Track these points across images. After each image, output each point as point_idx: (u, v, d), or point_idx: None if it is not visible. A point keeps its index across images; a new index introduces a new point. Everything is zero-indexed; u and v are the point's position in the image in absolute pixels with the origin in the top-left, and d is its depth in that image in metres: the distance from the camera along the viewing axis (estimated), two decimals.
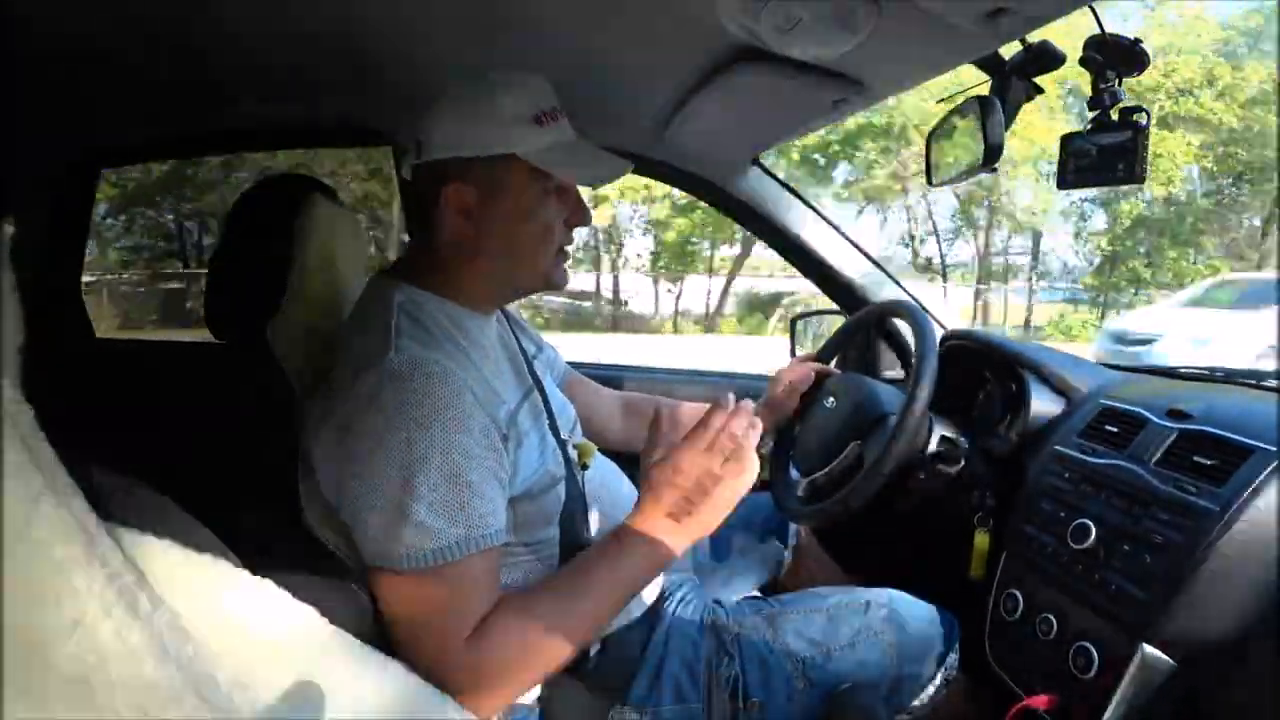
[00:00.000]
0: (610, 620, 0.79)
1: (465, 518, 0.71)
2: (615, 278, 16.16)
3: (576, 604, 0.75)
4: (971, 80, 1.05)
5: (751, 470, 0.77)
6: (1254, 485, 0.76)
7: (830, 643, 0.94)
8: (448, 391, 0.72)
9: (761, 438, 1.18)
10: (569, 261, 0.90)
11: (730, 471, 0.76)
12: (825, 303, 1.60)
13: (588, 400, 1.18)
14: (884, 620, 0.97)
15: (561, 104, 0.85)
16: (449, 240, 0.82)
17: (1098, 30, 0.86)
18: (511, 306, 1.04)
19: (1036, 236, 15.45)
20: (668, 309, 16.06)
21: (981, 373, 1.26)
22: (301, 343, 0.86)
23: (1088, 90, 0.90)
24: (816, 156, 13.69)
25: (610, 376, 1.64)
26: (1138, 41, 0.86)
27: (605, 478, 1.02)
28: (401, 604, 0.71)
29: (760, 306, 15.11)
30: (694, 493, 0.76)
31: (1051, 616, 0.89)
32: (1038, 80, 1.01)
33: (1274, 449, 0.78)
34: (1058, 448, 1.01)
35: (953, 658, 0.98)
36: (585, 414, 1.09)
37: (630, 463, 1.11)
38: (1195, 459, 0.83)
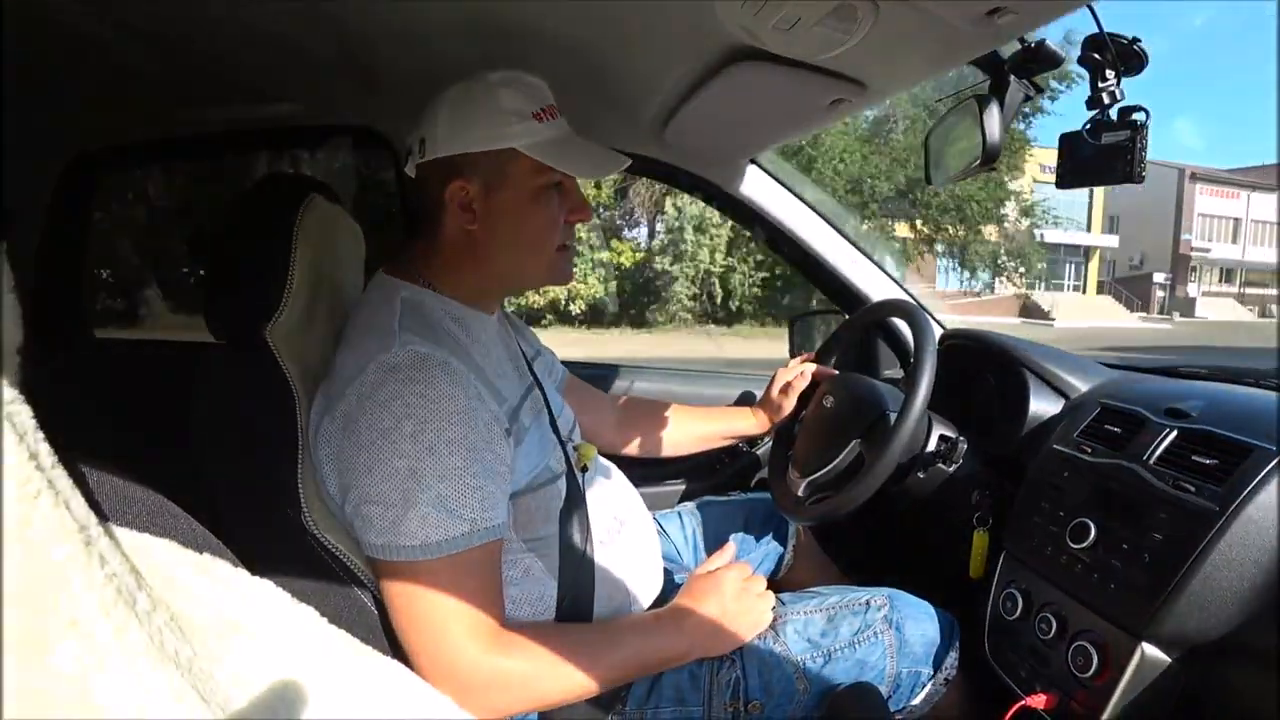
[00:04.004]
0: (618, 682, 0.83)
1: (469, 510, 0.71)
2: None
3: (602, 651, 0.80)
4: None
5: (766, 619, 0.94)
6: (1253, 484, 0.76)
7: (830, 643, 0.94)
8: (451, 385, 0.73)
9: (760, 438, 1.18)
10: (573, 257, 0.91)
11: (758, 612, 0.92)
12: None
13: (584, 405, 1.18)
14: (883, 620, 0.97)
15: (562, 104, 0.86)
16: (453, 237, 0.84)
17: (1096, 30, 0.86)
18: None
19: None
20: None
21: (980, 372, 1.26)
22: (301, 342, 0.85)
23: None
24: None
25: (606, 375, 1.64)
26: (1136, 40, 0.86)
27: (604, 479, 1.02)
28: (407, 596, 0.72)
29: None
30: (731, 606, 0.89)
31: (1051, 616, 0.89)
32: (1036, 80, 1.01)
33: (1273, 448, 0.78)
34: (1057, 447, 1.01)
35: (952, 657, 0.98)
36: (581, 418, 1.10)
37: (626, 466, 1.12)
38: (1194, 458, 0.83)
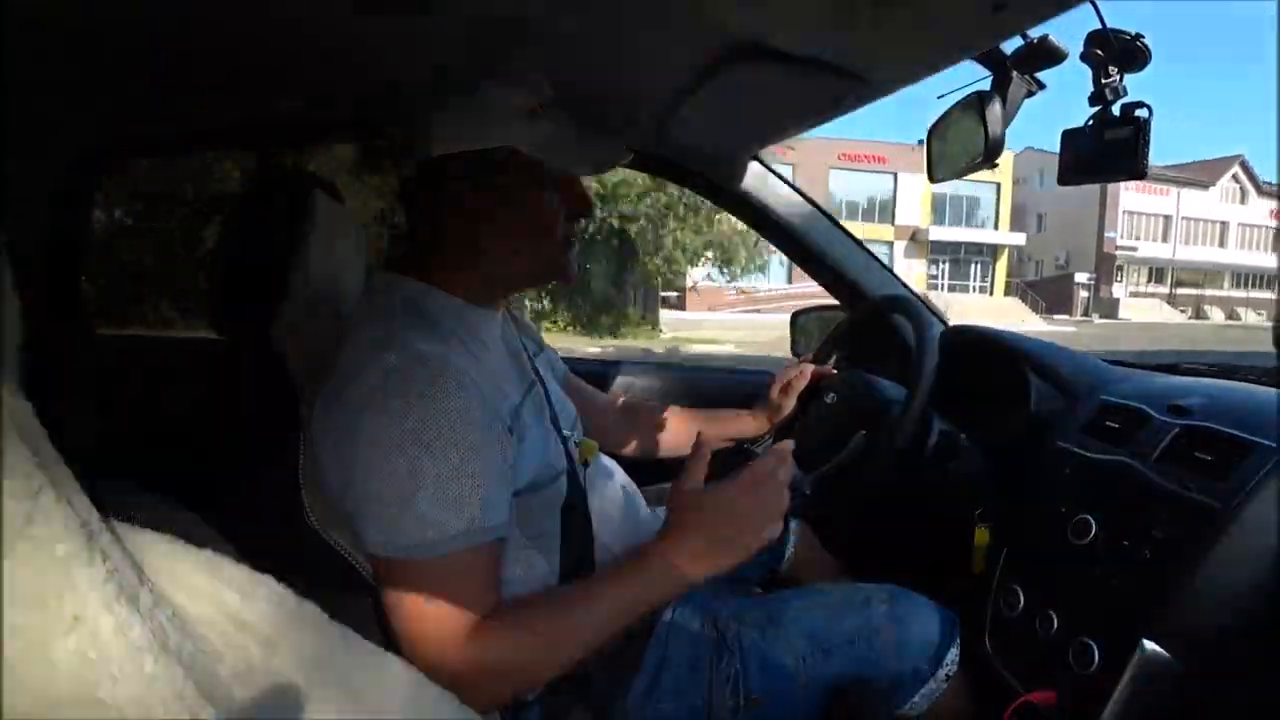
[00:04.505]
0: (616, 636, 0.78)
1: (469, 510, 0.71)
2: None
3: (585, 614, 0.75)
4: None
5: (779, 521, 0.77)
6: (1255, 481, 0.76)
7: (830, 639, 0.94)
8: (453, 384, 0.72)
9: (761, 438, 1.15)
10: (575, 251, 0.89)
11: (764, 518, 0.77)
12: None
13: (584, 403, 1.18)
14: (884, 616, 0.97)
15: (563, 100, 0.85)
16: (451, 236, 0.83)
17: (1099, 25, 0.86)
18: None
19: None
20: None
21: (982, 368, 1.26)
22: (304, 339, 0.86)
23: None
24: None
25: (608, 373, 1.64)
26: (1139, 36, 0.85)
27: (606, 475, 1.02)
28: (403, 594, 0.72)
29: None
30: (725, 530, 0.76)
31: (1052, 612, 0.89)
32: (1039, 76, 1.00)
33: (1275, 445, 0.78)
34: (1059, 443, 1.00)
35: (953, 654, 0.98)
36: (582, 417, 1.10)
37: (626, 464, 1.12)
38: (1196, 455, 0.83)
